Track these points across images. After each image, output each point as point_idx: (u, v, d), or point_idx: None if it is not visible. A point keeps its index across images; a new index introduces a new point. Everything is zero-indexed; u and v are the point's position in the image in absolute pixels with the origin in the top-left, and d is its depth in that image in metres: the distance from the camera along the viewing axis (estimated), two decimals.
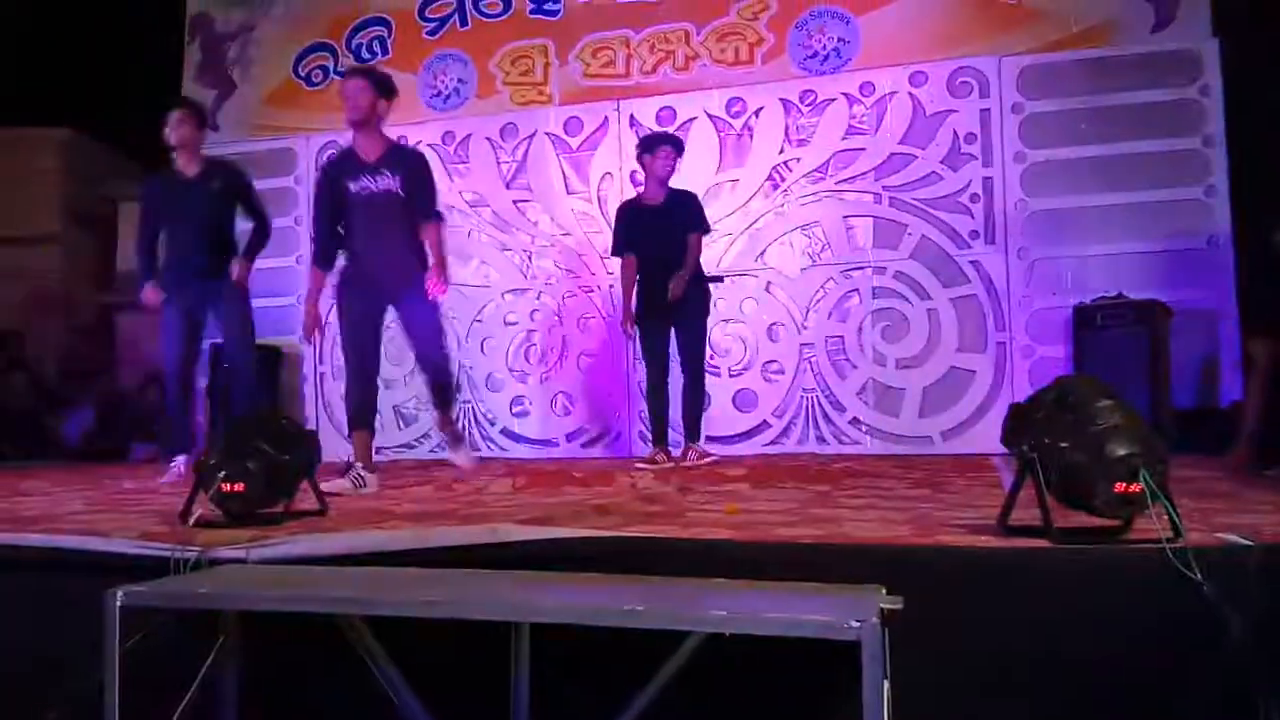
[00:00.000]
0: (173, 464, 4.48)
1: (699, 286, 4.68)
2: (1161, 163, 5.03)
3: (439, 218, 4.08)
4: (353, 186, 3.94)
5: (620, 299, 5.00)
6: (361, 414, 3.96)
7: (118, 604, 1.86)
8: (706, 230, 4.80)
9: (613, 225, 4.96)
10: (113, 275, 8.65)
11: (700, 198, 4.92)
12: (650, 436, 4.90)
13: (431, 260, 3.99)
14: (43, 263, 8.68)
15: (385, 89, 4.01)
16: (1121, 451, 1.91)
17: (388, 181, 3.92)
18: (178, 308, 4.47)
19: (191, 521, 2.55)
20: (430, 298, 3.94)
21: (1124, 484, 1.89)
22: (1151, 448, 1.95)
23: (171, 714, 1.95)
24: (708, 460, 4.55)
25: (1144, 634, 1.82)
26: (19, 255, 8.58)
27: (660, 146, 4.74)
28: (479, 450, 5.96)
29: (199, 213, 4.41)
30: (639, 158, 4.82)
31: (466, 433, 6.00)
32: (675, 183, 4.80)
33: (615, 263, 5.78)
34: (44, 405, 7.48)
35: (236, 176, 4.60)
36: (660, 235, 4.65)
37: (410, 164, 4.02)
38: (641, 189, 4.89)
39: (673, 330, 4.68)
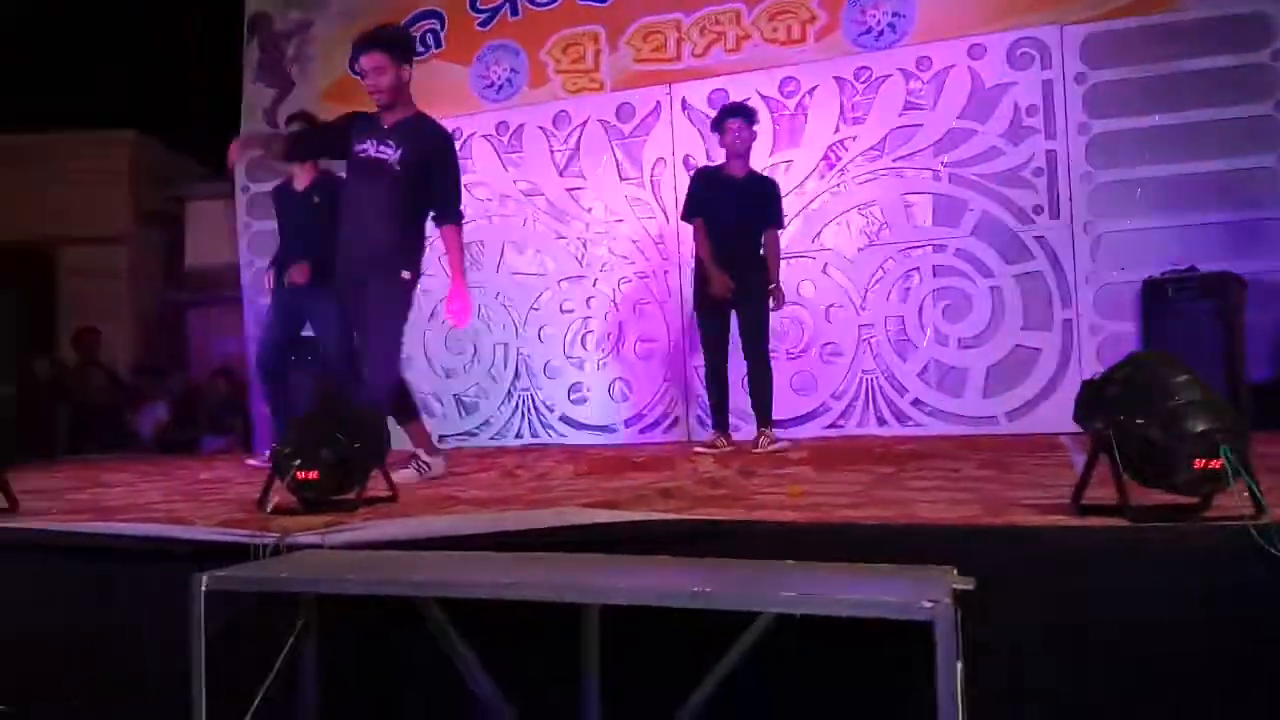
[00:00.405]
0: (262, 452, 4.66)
1: (760, 271, 4.58)
2: (1231, 130, 4.86)
3: (454, 219, 3.60)
4: (357, 146, 3.57)
5: (687, 287, 5.00)
6: (400, 407, 3.67)
7: (203, 588, 1.93)
8: (780, 225, 4.73)
9: (688, 189, 4.79)
10: (181, 273, 8.88)
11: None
12: (710, 421, 4.87)
13: (450, 275, 3.57)
14: (114, 262, 8.94)
15: (404, 52, 3.59)
16: (1201, 427, 1.87)
17: (389, 152, 3.51)
18: (280, 304, 4.68)
19: (269, 508, 2.62)
20: (445, 319, 3.59)
21: (1204, 460, 1.85)
22: (1231, 422, 1.90)
23: (254, 695, 2.01)
24: (778, 446, 4.45)
25: (1226, 613, 1.78)
26: (91, 255, 8.85)
27: (727, 120, 4.59)
28: (538, 436, 6.04)
29: (301, 223, 4.66)
30: (716, 134, 4.68)
31: (525, 420, 6.10)
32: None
33: (669, 247, 5.81)
34: (120, 400, 7.73)
35: (336, 190, 4.52)
36: (732, 210, 4.51)
37: (421, 140, 3.54)
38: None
39: (733, 315, 4.59)
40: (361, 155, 3.56)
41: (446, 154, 3.61)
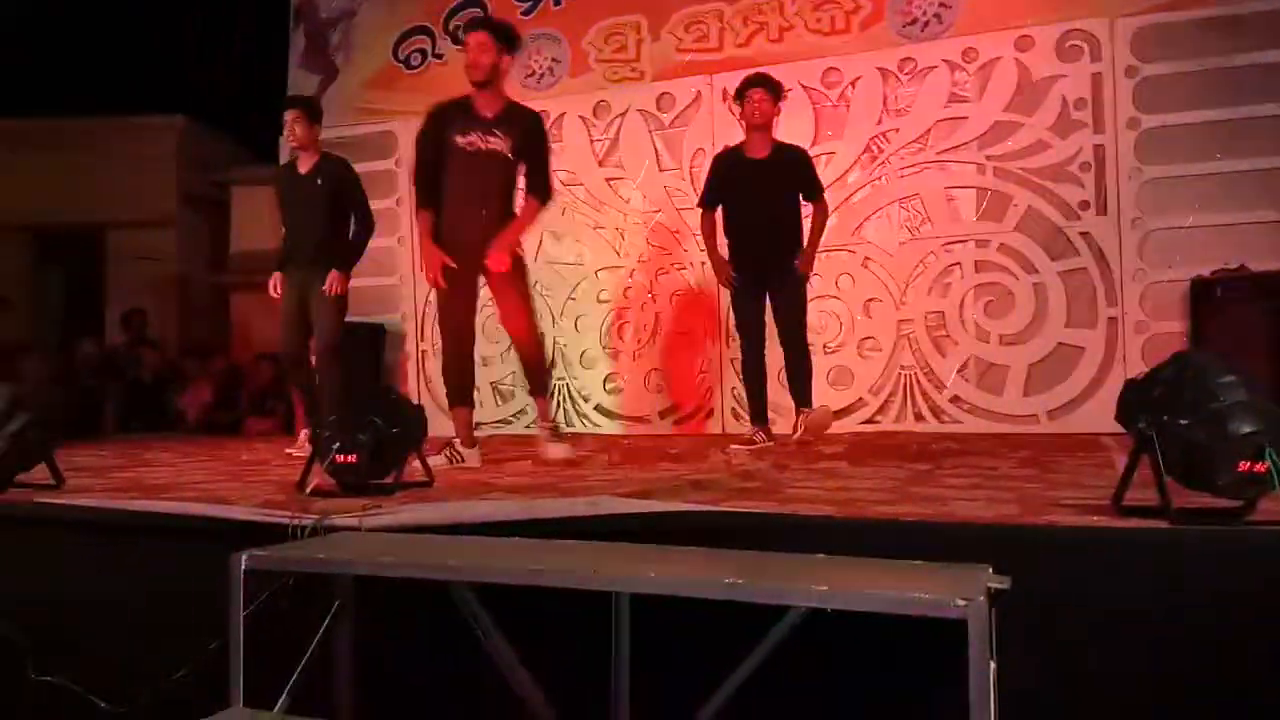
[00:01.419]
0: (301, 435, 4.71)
1: (793, 254, 4.36)
2: None
3: (543, 198, 3.85)
4: (460, 140, 3.73)
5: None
6: (457, 390, 3.85)
7: (242, 567, 1.96)
8: (818, 196, 4.42)
9: (706, 174, 4.63)
10: (226, 256, 9.03)
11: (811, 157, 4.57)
12: (746, 413, 4.81)
13: (509, 226, 3.75)
14: (160, 245, 9.12)
15: (509, 42, 3.84)
16: (1246, 429, 1.83)
17: (498, 142, 3.72)
18: (292, 294, 4.64)
19: (308, 490, 2.66)
20: (494, 269, 3.70)
21: (1248, 463, 1.81)
22: (1277, 425, 1.86)
23: (291, 674, 2.04)
24: (823, 413, 4.29)
25: (1268, 618, 1.74)
26: (138, 238, 9.04)
27: (749, 90, 4.31)
28: (572, 426, 6.05)
29: (308, 207, 4.58)
30: (737, 107, 4.44)
31: (559, 410, 6.11)
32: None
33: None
34: (166, 381, 7.88)
35: (342, 173, 4.64)
36: (760, 194, 4.28)
37: (526, 126, 3.79)
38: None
39: (768, 301, 4.40)
40: (469, 148, 3.73)
41: (544, 137, 3.89)
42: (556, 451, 3.81)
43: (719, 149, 5.69)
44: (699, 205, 4.68)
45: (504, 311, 3.92)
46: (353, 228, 4.65)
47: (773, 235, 4.35)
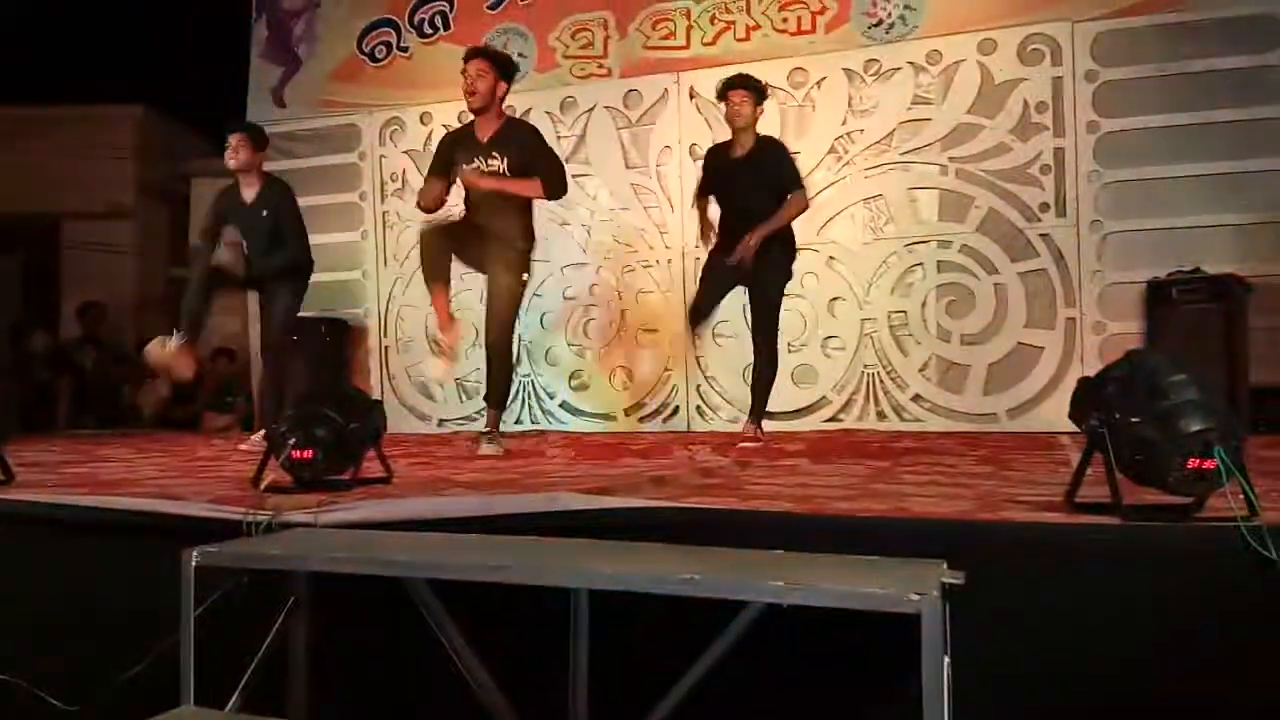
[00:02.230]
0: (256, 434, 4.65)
1: (782, 250, 4.29)
2: (1241, 132, 4.83)
3: (561, 193, 4.08)
4: (465, 166, 3.99)
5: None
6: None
7: (193, 563, 1.93)
8: (797, 187, 4.28)
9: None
10: (186, 249, 8.88)
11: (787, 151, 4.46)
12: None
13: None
14: (118, 237, 8.95)
15: (506, 71, 4.03)
16: (1195, 427, 1.86)
17: (496, 164, 3.95)
18: (261, 301, 4.73)
19: (263, 486, 2.62)
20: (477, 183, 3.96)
21: (1198, 460, 1.84)
22: (1226, 423, 1.89)
23: (245, 671, 2.01)
24: (755, 445, 4.09)
25: (1217, 613, 1.78)
26: (95, 229, 8.86)
27: (729, 91, 4.31)
28: (538, 423, 6.03)
29: (254, 232, 4.53)
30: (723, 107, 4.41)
31: (525, 406, 6.09)
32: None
33: (673, 237, 5.80)
34: (121, 376, 7.74)
35: (282, 201, 4.61)
36: (741, 189, 4.28)
37: (520, 142, 4.00)
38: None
39: (744, 294, 4.37)
40: (466, 164, 3.99)
41: (541, 147, 4.06)
42: (487, 450, 4.00)
43: (688, 147, 5.75)
44: (695, 196, 4.62)
45: (489, 309, 4.12)
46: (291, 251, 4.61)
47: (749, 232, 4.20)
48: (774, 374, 4.38)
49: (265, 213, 4.54)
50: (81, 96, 8.38)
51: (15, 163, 8.39)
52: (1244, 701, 1.75)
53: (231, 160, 4.56)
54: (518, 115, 6.13)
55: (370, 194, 6.57)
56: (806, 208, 4.43)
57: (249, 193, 4.59)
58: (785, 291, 4.41)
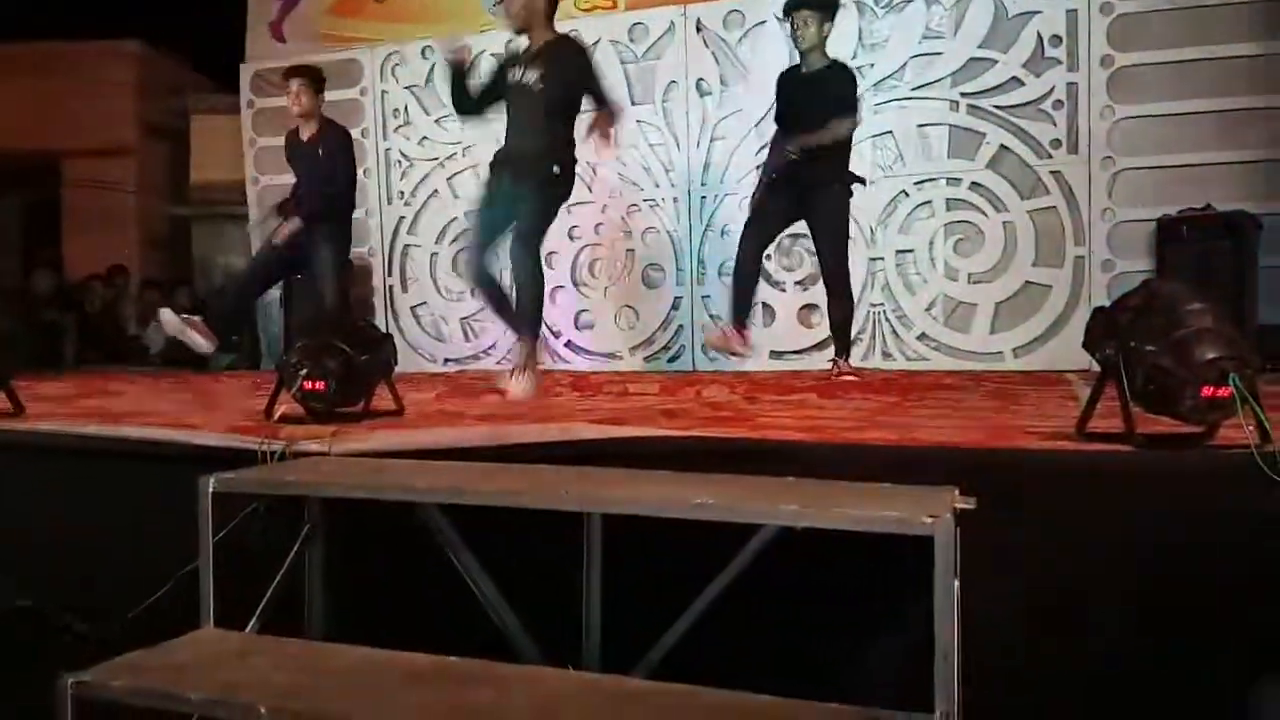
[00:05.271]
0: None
1: (840, 186, 4.18)
2: (1258, 67, 4.76)
3: (604, 106, 3.87)
4: (509, 76, 3.91)
5: None
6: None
7: (210, 490, 1.95)
8: (849, 113, 4.13)
9: None
10: (186, 187, 8.81)
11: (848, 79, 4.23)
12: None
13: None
14: (118, 174, 8.88)
15: None
16: (1210, 355, 1.85)
17: (530, 75, 3.82)
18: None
19: (276, 417, 2.63)
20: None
21: (1212, 388, 1.83)
22: (1241, 351, 1.88)
23: (261, 598, 2.04)
24: (857, 379, 4.14)
25: (1229, 539, 1.79)
26: (95, 167, 8.79)
27: (794, 11, 4.18)
28: (542, 362, 6.02)
29: (306, 173, 4.75)
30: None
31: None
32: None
33: (678, 174, 5.74)
34: (126, 314, 7.74)
35: (340, 142, 4.80)
36: (803, 109, 4.13)
37: (559, 58, 3.83)
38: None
39: (806, 226, 4.29)
40: (511, 81, 3.92)
41: (587, 68, 3.91)
42: (516, 389, 3.72)
43: (694, 82, 5.66)
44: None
45: (514, 229, 3.93)
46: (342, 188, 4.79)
47: (811, 154, 4.11)
48: (852, 308, 4.36)
49: (321, 151, 4.72)
50: (80, 33, 8.25)
51: (14, 100, 8.29)
52: (1254, 625, 1.77)
53: (295, 106, 4.74)
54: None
55: (372, 130, 6.49)
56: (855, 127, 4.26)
57: (306, 132, 4.80)
58: (850, 224, 4.31)
